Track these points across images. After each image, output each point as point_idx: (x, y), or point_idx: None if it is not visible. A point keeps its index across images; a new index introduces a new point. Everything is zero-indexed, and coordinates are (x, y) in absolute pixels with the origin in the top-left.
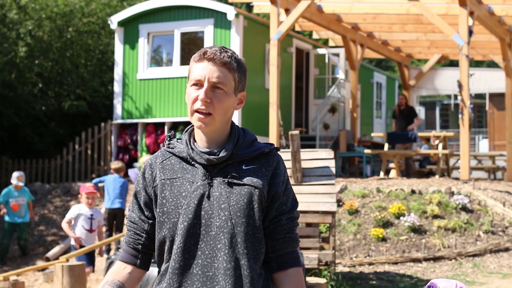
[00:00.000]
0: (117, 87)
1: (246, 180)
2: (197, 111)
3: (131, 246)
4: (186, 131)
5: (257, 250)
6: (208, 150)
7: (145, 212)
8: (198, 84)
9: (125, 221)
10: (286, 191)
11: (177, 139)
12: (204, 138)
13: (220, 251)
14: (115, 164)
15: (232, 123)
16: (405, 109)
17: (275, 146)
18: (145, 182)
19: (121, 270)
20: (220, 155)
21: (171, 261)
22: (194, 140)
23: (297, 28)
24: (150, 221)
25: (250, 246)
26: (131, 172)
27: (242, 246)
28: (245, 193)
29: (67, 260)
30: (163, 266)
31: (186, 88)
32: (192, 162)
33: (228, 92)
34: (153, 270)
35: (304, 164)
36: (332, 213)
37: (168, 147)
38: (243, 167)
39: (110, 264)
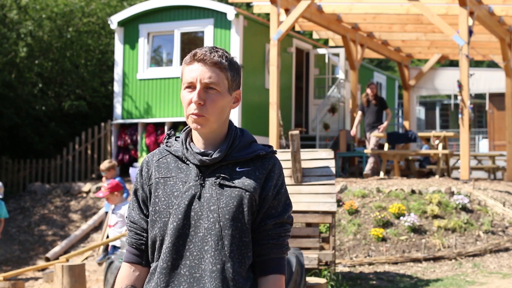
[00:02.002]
0: (117, 87)
1: (238, 182)
2: (192, 114)
3: (134, 246)
4: (184, 131)
5: (243, 254)
6: (202, 150)
7: (144, 211)
8: (191, 86)
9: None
10: (278, 195)
11: (176, 137)
12: (201, 139)
13: (207, 253)
14: (111, 162)
15: (231, 123)
16: (374, 100)
17: (273, 149)
18: (142, 179)
19: (131, 273)
20: (213, 156)
21: (160, 260)
22: (191, 140)
23: (297, 28)
24: (148, 219)
25: (236, 249)
26: (132, 171)
27: (229, 249)
28: (235, 195)
29: (67, 260)
30: (153, 265)
31: (181, 91)
32: (187, 162)
33: (222, 92)
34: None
35: (304, 164)
36: (332, 213)
37: (166, 145)
38: (237, 169)
39: (110, 264)
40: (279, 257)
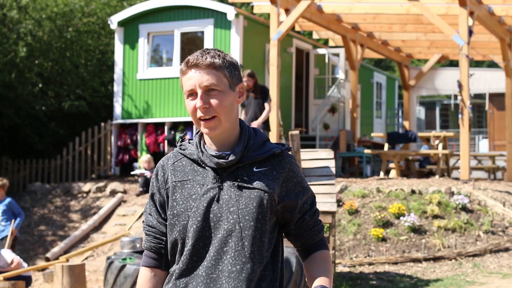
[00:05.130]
0: (116, 87)
1: (256, 183)
2: (200, 119)
3: (153, 250)
4: (197, 133)
5: (262, 254)
6: (218, 153)
7: (162, 215)
8: (193, 93)
9: (142, 224)
10: (304, 190)
11: (189, 139)
12: (214, 141)
13: (227, 253)
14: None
15: (242, 123)
16: (253, 92)
17: (287, 146)
18: (158, 184)
19: (152, 277)
20: (229, 159)
21: (180, 263)
22: (205, 143)
23: (297, 28)
24: (167, 223)
25: (256, 250)
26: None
27: (249, 250)
28: (255, 196)
29: (67, 260)
30: (173, 267)
31: (185, 100)
32: (203, 165)
33: (224, 90)
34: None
35: (304, 164)
36: (332, 213)
37: (180, 148)
38: (254, 169)
39: (110, 264)
40: (322, 237)
